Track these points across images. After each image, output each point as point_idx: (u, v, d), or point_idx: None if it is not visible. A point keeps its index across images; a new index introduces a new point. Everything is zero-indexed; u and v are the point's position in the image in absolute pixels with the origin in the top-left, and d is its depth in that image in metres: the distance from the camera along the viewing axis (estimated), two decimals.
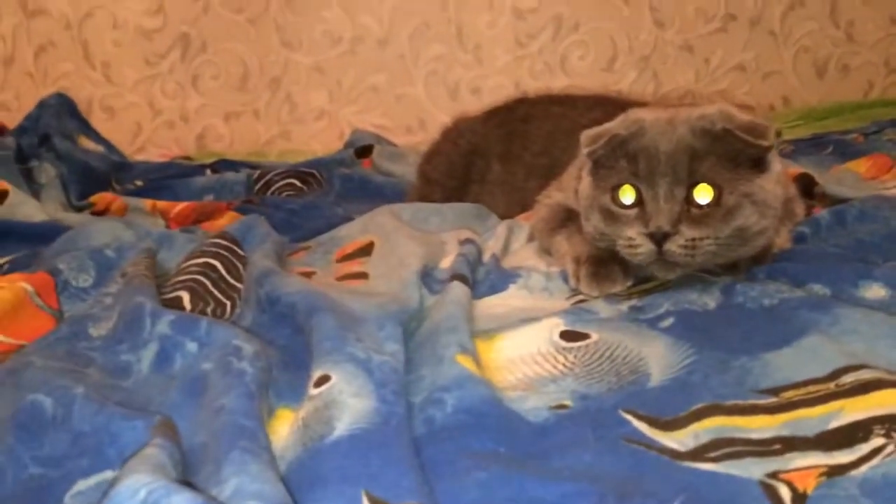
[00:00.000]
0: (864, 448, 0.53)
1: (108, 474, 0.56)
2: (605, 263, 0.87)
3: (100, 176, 1.78)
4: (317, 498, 0.52)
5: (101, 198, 1.58)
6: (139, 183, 1.82)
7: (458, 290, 0.83)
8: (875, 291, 0.78)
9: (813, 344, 0.67)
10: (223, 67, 2.30)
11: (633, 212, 0.83)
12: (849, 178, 1.35)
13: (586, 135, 0.88)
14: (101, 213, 1.52)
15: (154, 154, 2.24)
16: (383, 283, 0.90)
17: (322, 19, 2.27)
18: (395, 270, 0.91)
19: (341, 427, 0.58)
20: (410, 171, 1.65)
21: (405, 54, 2.29)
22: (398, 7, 2.26)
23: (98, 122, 2.23)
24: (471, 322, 0.77)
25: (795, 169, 1.27)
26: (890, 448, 0.52)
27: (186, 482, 0.51)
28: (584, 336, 0.75)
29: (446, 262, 0.98)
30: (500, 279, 0.91)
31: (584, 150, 0.87)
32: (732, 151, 0.81)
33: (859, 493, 0.50)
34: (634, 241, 0.81)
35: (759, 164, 0.82)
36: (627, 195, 0.83)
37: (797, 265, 0.85)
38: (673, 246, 0.80)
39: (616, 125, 0.86)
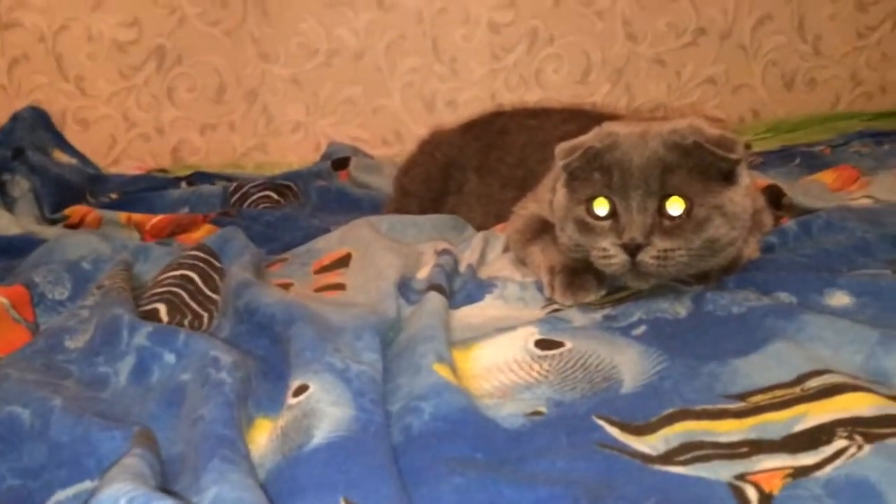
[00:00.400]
0: (827, 450, 0.55)
1: (87, 484, 0.56)
2: (579, 273, 0.88)
3: (74, 189, 1.77)
4: None
5: (75, 210, 1.57)
6: (114, 196, 1.82)
7: (435, 300, 0.84)
8: (839, 299, 0.80)
9: (779, 350, 0.69)
10: (199, 80, 2.30)
11: (607, 223, 0.84)
12: (816, 190, 1.38)
13: (561, 147, 0.89)
14: (75, 226, 1.52)
15: (129, 167, 2.23)
16: (361, 294, 0.91)
17: (298, 32, 2.28)
18: (373, 281, 0.92)
19: (320, 435, 0.58)
20: (387, 183, 1.66)
21: (381, 67, 2.31)
22: (374, 20, 2.28)
23: (72, 134, 2.22)
24: (448, 332, 0.78)
25: (764, 180, 1.30)
26: (853, 450, 0.54)
27: (167, 490, 0.51)
28: (559, 344, 0.76)
29: (423, 273, 0.99)
30: (477, 289, 0.92)
31: (560, 163, 0.89)
32: (703, 165, 0.83)
33: (824, 494, 0.51)
34: (608, 252, 0.83)
35: (728, 176, 0.84)
36: (601, 207, 0.84)
37: (765, 274, 0.87)
38: (646, 257, 0.81)
39: (590, 138, 0.88)
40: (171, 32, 2.26)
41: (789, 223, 1.06)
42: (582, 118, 1.20)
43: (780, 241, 1.02)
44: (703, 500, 0.52)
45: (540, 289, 0.92)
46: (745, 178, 0.87)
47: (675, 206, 0.82)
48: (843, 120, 2.21)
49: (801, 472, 0.54)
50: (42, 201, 1.64)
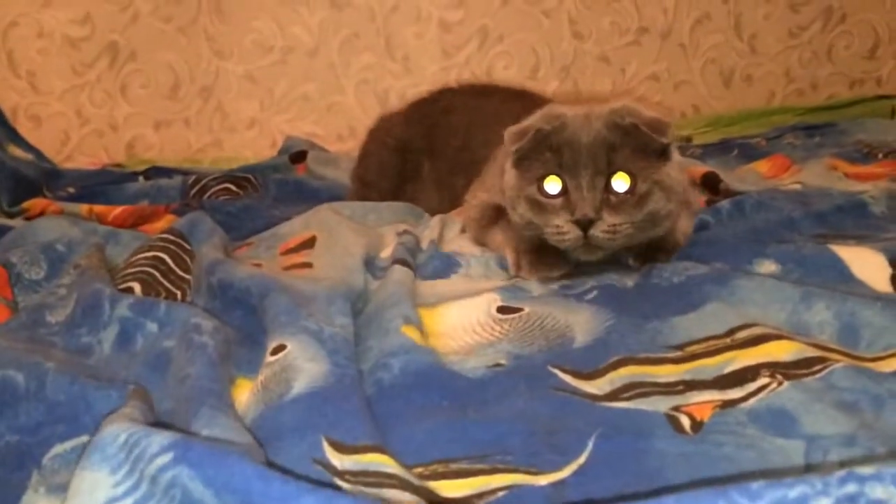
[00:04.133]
0: (752, 386, 0.63)
1: (85, 439, 0.60)
2: (543, 251, 0.93)
3: (31, 183, 1.77)
4: (280, 447, 0.58)
5: (34, 203, 1.58)
6: (71, 190, 1.82)
7: (400, 272, 0.89)
8: (767, 267, 0.88)
9: (714, 309, 0.76)
10: (152, 76, 2.31)
11: (559, 201, 0.90)
12: (751, 178, 1.48)
13: (510, 132, 0.94)
14: (35, 219, 1.53)
15: (82, 163, 2.23)
16: (329, 271, 0.95)
17: (252, 29, 2.31)
18: (340, 258, 0.97)
19: (299, 386, 0.64)
20: (344, 176, 1.69)
21: (335, 64, 2.35)
22: (327, 18, 2.32)
23: (24, 131, 2.20)
24: (413, 298, 0.84)
25: (702, 168, 1.38)
26: (773, 385, 0.62)
27: (163, 424, 0.55)
28: (518, 310, 0.82)
29: (386, 253, 1.04)
30: (444, 266, 0.98)
31: (511, 147, 0.94)
32: (641, 143, 0.90)
33: (747, 420, 0.59)
34: (562, 229, 0.89)
35: (663, 153, 0.92)
36: (553, 185, 0.90)
37: (702, 248, 0.95)
38: (597, 231, 0.88)
39: (538, 121, 0.94)
40: (125, 29, 2.27)
41: (723, 202, 1.14)
42: (524, 99, 1.26)
43: (715, 218, 1.09)
44: (643, 428, 0.59)
45: (503, 266, 0.98)
46: (676, 155, 0.95)
47: (620, 183, 0.89)
48: (778, 114, 2.32)
49: (728, 404, 0.61)
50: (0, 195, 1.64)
